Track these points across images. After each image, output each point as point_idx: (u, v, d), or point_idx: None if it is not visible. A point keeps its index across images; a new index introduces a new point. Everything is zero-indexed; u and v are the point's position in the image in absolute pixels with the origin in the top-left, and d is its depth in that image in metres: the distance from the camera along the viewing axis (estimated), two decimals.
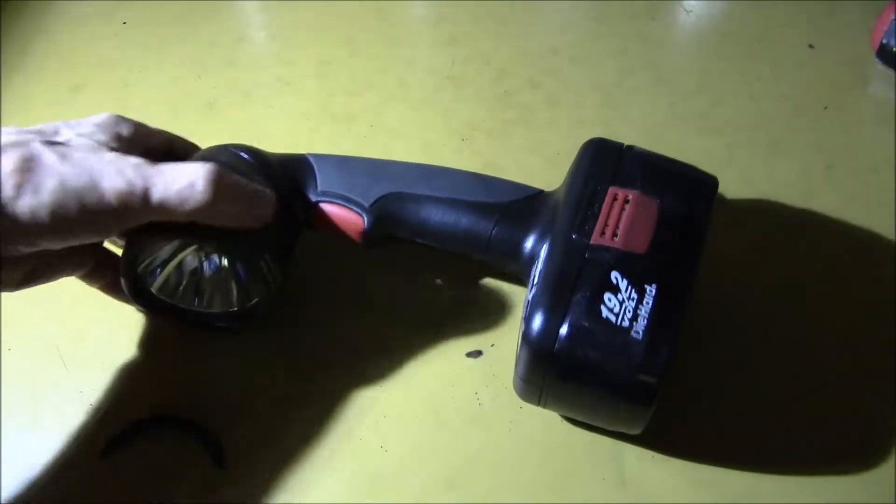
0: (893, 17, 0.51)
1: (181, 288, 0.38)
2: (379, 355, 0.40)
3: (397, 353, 0.40)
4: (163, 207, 0.32)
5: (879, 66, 0.53)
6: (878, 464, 0.36)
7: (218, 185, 0.32)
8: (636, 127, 0.50)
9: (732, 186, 0.46)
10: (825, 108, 0.51)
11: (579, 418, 0.37)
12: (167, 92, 0.54)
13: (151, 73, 0.56)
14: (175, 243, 0.36)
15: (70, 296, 0.43)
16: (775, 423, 0.38)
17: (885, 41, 0.52)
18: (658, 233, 0.34)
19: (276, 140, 0.37)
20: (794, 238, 0.45)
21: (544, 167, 0.39)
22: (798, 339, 0.41)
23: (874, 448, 0.37)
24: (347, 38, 0.57)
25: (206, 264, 0.38)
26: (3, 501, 0.36)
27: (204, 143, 0.40)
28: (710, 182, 0.37)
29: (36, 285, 0.36)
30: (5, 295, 0.43)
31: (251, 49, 0.58)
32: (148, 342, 0.41)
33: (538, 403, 0.35)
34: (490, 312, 0.42)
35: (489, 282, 0.43)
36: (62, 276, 0.37)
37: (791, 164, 0.48)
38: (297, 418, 0.38)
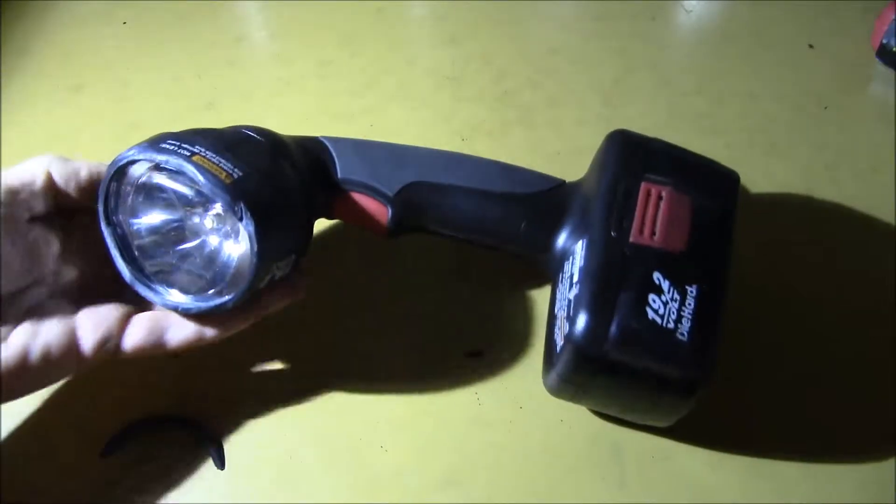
0: (893, 17, 0.51)
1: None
2: (378, 355, 0.40)
3: (397, 353, 0.40)
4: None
5: (879, 66, 0.53)
6: (878, 463, 0.37)
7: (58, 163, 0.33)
8: (636, 127, 0.50)
9: None
10: (825, 108, 0.51)
11: (610, 412, 0.37)
12: (167, 92, 0.54)
13: (151, 73, 0.56)
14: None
15: None
16: (773, 422, 0.38)
17: (885, 41, 0.52)
18: (693, 231, 0.34)
19: None
20: (794, 238, 0.45)
21: (544, 167, 0.39)
22: (797, 338, 0.41)
23: (874, 447, 0.37)
24: (347, 38, 0.57)
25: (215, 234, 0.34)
26: (3, 501, 0.36)
27: None
28: (732, 177, 0.37)
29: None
30: None
31: (251, 49, 0.58)
32: None
33: (572, 400, 0.36)
34: (490, 312, 0.42)
35: (490, 281, 0.43)
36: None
37: (791, 164, 0.48)
38: (296, 418, 0.38)
